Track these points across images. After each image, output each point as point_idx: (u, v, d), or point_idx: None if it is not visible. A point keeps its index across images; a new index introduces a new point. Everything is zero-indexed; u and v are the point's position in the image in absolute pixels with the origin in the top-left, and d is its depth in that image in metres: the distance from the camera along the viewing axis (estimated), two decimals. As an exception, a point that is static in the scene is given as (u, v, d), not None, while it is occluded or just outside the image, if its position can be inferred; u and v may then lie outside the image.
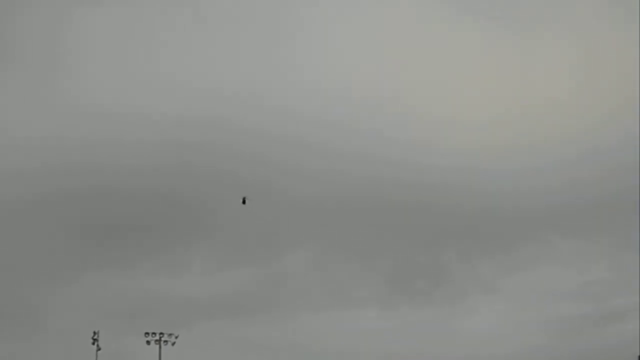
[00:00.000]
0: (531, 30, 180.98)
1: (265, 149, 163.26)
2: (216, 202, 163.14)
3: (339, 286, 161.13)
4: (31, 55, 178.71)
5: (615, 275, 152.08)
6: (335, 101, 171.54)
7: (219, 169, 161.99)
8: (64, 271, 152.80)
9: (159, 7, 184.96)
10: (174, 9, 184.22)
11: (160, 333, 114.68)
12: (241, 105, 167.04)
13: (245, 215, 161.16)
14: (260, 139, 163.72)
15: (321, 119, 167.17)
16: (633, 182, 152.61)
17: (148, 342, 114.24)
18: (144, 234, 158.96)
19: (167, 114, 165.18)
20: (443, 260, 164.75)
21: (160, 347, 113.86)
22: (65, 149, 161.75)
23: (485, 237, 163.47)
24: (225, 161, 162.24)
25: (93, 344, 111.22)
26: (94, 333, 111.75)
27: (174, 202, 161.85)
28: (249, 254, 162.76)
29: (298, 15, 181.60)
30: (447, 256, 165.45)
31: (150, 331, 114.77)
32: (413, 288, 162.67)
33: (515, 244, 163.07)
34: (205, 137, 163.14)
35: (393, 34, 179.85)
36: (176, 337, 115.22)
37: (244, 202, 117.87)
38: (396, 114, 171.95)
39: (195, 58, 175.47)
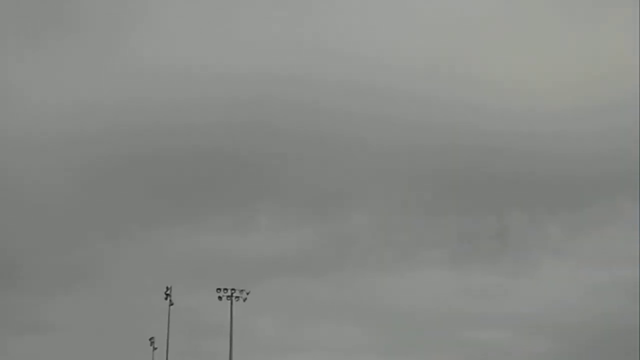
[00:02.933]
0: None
1: (342, 104, 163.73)
2: (284, 160, 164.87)
3: (405, 246, 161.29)
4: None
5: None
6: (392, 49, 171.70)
7: (290, 126, 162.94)
8: (136, 228, 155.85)
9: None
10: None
11: (232, 289, 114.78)
12: (318, 60, 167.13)
13: (313, 173, 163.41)
14: (337, 92, 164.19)
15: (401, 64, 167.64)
16: None
17: (220, 298, 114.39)
18: (212, 192, 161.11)
19: (237, 72, 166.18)
20: (510, 221, 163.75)
21: (232, 302, 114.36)
22: (134, 110, 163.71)
23: (552, 200, 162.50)
24: (297, 117, 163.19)
25: (165, 299, 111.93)
26: (167, 288, 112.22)
27: (241, 161, 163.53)
28: (316, 212, 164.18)
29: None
30: (514, 217, 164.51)
31: (222, 287, 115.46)
32: (480, 249, 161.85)
33: (583, 206, 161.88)
34: (277, 94, 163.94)
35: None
36: (247, 294, 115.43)
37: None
38: (462, 80, 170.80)
39: (266, 14, 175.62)
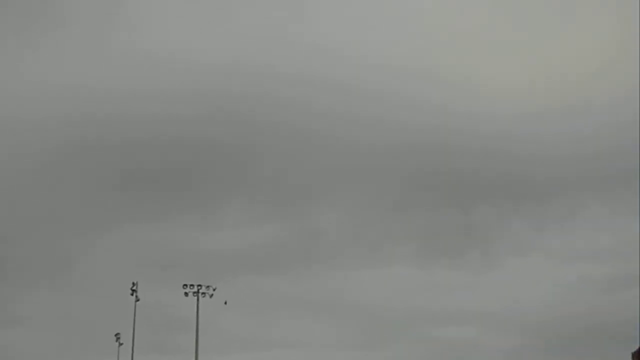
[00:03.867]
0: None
1: (308, 98, 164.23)
2: (252, 154, 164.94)
3: (373, 242, 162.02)
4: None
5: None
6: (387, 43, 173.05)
7: (259, 120, 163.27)
8: (103, 223, 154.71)
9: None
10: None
11: (199, 285, 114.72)
12: (287, 55, 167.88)
13: (281, 169, 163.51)
14: (305, 87, 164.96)
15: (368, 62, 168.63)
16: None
17: (186, 294, 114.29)
18: (180, 186, 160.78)
19: (208, 63, 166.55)
20: (477, 219, 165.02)
21: (198, 298, 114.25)
22: (104, 100, 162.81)
23: (518, 198, 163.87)
24: (264, 113, 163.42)
25: (132, 294, 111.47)
26: (133, 284, 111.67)
27: (210, 155, 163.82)
28: (284, 208, 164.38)
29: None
30: (480, 214, 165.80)
31: (188, 283, 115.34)
32: (446, 246, 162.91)
33: (548, 203, 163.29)
34: (246, 88, 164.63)
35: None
36: (214, 290, 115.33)
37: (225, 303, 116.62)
38: (432, 79, 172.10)
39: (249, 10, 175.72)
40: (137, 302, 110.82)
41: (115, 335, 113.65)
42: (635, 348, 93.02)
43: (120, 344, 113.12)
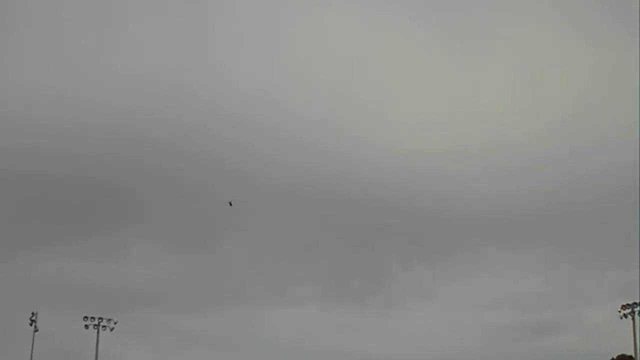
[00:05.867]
0: (480, 44, 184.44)
1: (221, 132, 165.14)
2: (158, 187, 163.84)
3: (278, 281, 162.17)
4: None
5: (549, 288, 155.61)
6: (300, 91, 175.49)
7: (169, 151, 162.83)
8: (3, 250, 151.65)
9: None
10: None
11: (99, 317, 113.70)
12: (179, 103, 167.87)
13: (187, 203, 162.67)
14: (219, 120, 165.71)
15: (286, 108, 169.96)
16: (571, 198, 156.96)
17: (86, 326, 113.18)
18: (83, 217, 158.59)
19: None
20: (381, 263, 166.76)
21: (98, 331, 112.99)
22: (6, 130, 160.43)
23: (422, 244, 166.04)
24: (177, 142, 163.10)
25: (31, 324, 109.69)
26: (32, 314, 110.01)
27: (114, 187, 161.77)
28: (188, 243, 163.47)
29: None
30: (384, 259, 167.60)
31: (89, 315, 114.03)
32: (351, 289, 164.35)
33: (452, 250, 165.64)
34: (162, 116, 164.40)
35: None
36: (115, 323, 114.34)
37: (230, 204, 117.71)
38: (347, 111, 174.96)
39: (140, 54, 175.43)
40: (36, 332, 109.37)
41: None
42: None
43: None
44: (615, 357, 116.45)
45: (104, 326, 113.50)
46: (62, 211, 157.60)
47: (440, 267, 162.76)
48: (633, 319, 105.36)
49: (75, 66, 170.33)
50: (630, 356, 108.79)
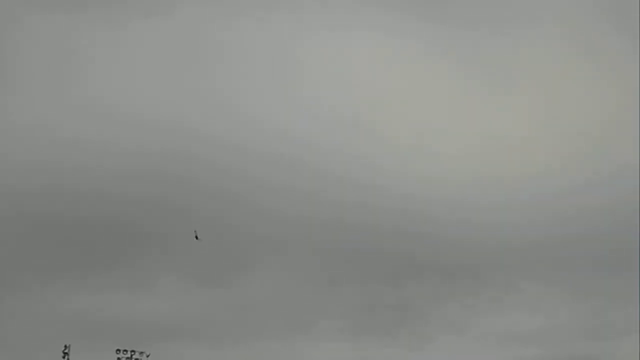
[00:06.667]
0: (502, 74, 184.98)
1: (244, 166, 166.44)
2: (180, 226, 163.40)
3: (304, 316, 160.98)
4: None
5: (579, 321, 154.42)
6: (300, 122, 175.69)
7: (193, 189, 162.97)
8: (35, 283, 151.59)
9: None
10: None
11: (132, 350, 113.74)
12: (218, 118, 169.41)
13: (215, 237, 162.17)
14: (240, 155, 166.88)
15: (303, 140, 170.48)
16: (599, 226, 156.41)
17: (119, 359, 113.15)
18: (114, 251, 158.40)
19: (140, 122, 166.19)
20: (410, 297, 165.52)
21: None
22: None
23: (452, 277, 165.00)
24: (200, 177, 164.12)
25: (63, 357, 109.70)
26: (65, 347, 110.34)
27: (144, 220, 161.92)
28: (216, 277, 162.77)
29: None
30: (412, 291, 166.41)
31: (121, 348, 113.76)
32: (379, 323, 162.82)
33: (482, 282, 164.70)
34: (180, 150, 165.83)
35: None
36: (147, 356, 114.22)
37: (196, 237, 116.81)
38: (368, 141, 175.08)
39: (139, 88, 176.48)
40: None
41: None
42: None
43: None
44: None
45: (136, 359, 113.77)
46: (92, 245, 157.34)
47: (470, 299, 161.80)
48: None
49: (90, 107, 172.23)
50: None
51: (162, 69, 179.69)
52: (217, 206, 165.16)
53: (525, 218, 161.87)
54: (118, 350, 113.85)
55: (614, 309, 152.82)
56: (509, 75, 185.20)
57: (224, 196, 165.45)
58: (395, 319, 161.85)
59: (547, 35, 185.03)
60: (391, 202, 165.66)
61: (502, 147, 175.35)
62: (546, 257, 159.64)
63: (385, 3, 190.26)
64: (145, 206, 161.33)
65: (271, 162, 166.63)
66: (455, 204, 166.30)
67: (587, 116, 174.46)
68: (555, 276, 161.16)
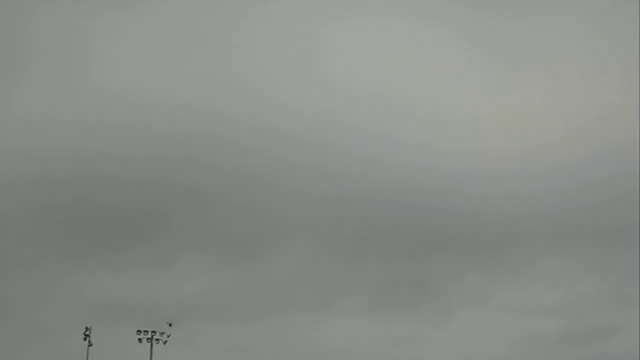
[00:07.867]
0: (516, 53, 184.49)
1: (264, 146, 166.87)
2: (208, 200, 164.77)
3: (326, 292, 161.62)
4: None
5: (599, 293, 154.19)
6: (333, 99, 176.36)
7: (216, 166, 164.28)
8: (55, 266, 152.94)
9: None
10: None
11: (153, 331, 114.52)
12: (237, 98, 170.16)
13: (235, 216, 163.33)
14: (260, 135, 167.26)
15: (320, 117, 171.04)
16: (620, 197, 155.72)
17: (140, 340, 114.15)
18: (134, 231, 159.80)
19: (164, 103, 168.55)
20: (430, 271, 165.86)
21: (152, 345, 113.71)
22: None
23: (472, 251, 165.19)
24: (224, 157, 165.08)
25: (84, 339, 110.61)
26: (86, 329, 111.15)
27: (165, 199, 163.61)
28: (237, 255, 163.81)
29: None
30: (434, 268, 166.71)
31: (142, 329, 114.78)
32: (400, 298, 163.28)
33: (501, 256, 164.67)
34: (203, 130, 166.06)
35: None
36: (168, 336, 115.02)
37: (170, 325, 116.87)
38: (391, 119, 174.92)
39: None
40: (90, 347, 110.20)
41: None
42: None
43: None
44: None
45: (157, 339, 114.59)
46: (110, 225, 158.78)
47: (490, 273, 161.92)
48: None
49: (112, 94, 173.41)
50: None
51: (178, 50, 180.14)
52: (238, 185, 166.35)
53: (543, 190, 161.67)
54: (139, 331, 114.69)
55: (633, 281, 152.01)
56: (524, 54, 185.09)
57: (246, 176, 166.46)
58: (417, 294, 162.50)
59: (561, 17, 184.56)
60: (412, 178, 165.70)
61: (518, 117, 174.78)
62: (565, 230, 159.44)
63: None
64: (165, 189, 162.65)
65: (288, 139, 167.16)
66: (476, 178, 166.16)
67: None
68: (574, 249, 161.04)
